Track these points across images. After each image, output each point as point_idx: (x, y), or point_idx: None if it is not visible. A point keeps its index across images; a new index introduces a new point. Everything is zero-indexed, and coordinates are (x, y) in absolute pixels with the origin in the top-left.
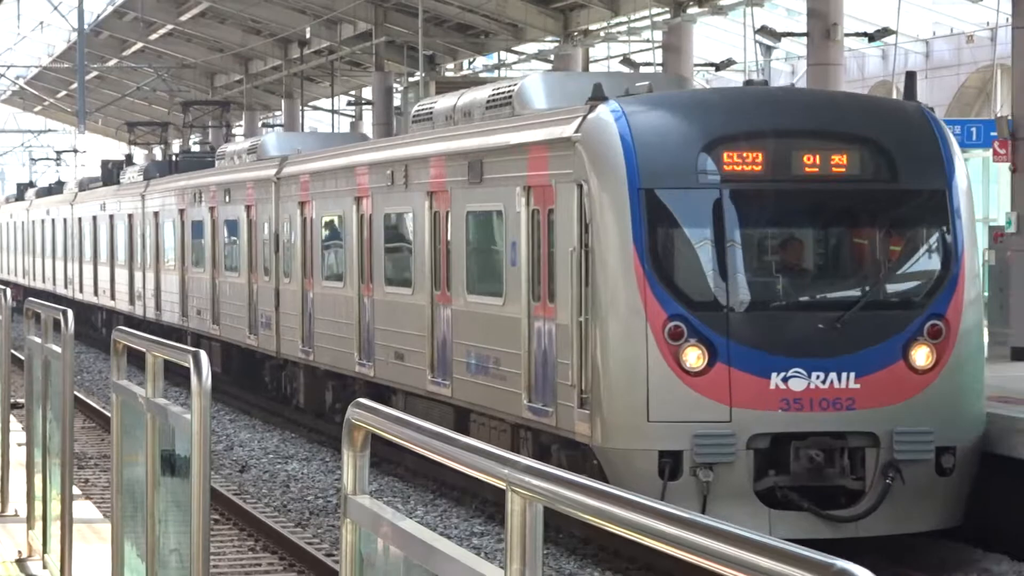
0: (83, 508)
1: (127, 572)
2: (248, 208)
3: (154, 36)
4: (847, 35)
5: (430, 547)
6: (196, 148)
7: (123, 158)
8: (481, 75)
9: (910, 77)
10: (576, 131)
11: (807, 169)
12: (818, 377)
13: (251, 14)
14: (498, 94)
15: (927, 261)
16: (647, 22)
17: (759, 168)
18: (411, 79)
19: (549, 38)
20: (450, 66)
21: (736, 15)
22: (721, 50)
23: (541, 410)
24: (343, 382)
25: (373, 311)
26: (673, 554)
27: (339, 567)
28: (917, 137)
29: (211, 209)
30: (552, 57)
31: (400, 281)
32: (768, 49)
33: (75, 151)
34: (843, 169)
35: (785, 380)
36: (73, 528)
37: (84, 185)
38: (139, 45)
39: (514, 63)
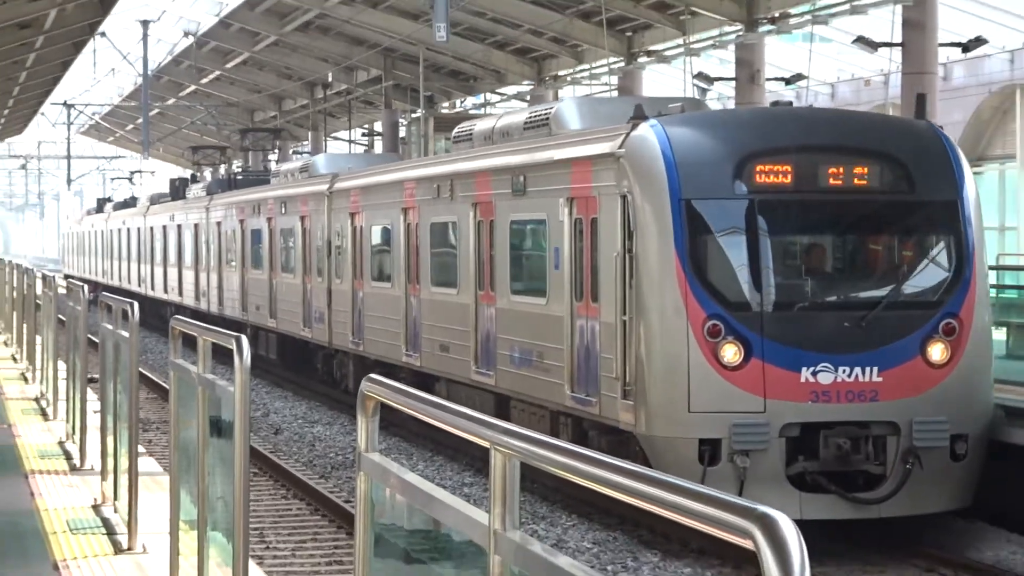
0: (146, 463)
1: (182, 515)
2: (303, 218)
3: (205, 80)
4: (768, 79)
5: (428, 495)
6: (237, 169)
7: (188, 177)
8: (470, 111)
9: (920, 99)
10: (620, 147)
11: (832, 181)
12: (844, 371)
13: (284, 63)
14: (536, 116)
15: (941, 265)
16: (605, 69)
17: (788, 180)
18: (413, 115)
19: (526, 82)
20: (445, 104)
21: (678, 63)
22: (666, 91)
23: (584, 399)
24: (389, 369)
25: (419, 308)
26: (625, 500)
27: (355, 511)
28: (930, 152)
29: (269, 219)
30: (528, 97)
31: (446, 282)
32: (703, 91)
33: (140, 172)
34: (864, 181)
35: (814, 374)
36: (138, 480)
37: (155, 200)
38: (192, 87)
39: (497, 102)
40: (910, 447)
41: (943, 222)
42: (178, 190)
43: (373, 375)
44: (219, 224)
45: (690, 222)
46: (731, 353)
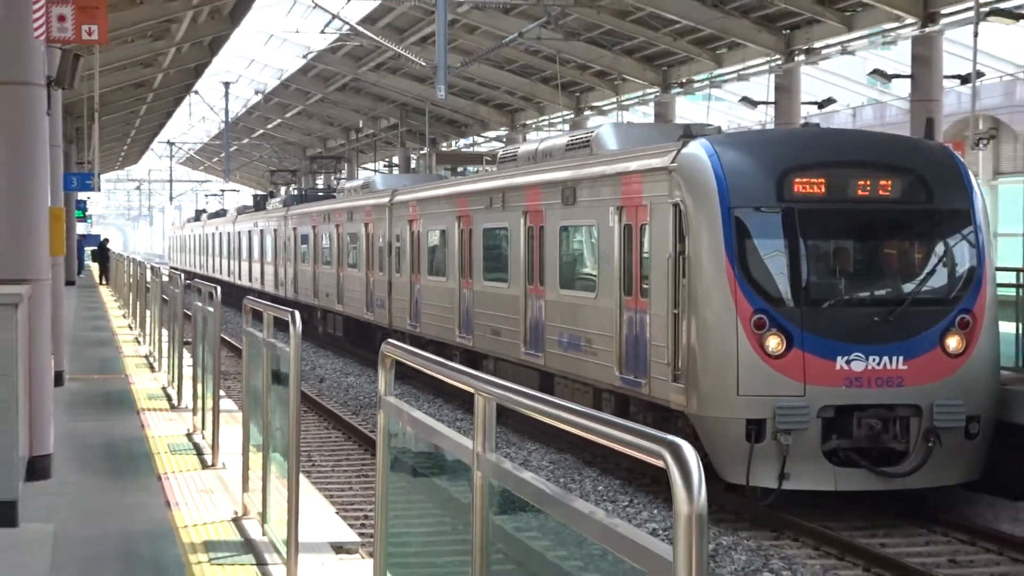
0: (225, 403)
1: (251, 441)
2: (366, 224)
3: (270, 125)
4: (804, 103)
5: (429, 427)
6: (295, 190)
7: (267, 194)
8: (463, 149)
9: (929, 123)
10: (672, 162)
11: (860, 192)
12: (874, 360)
13: (327, 113)
14: (577, 139)
15: (957, 266)
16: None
17: (822, 191)
18: (421, 152)
19: (503, 128)
20: (444, 144)
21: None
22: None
23: (633, 381)
24: (440, 347)
25: (472, 299)
26: (573, 432)
27: (376, 439)
28: (944, 167)
29: (337, 225)
30: (505, 139)
31: (497, 277)
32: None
33: (224, 191)
34: (889, 192)
35: (848, 362)
36: (219, 415)
37: (241, 210)
38: (261, 131)
39: (482, 143)
40: (931, 427)
41: (957, 228)
42: (259, 203)
43: (390, 340)
44: (295, 229)
45: (737, 228)
46: (775, 343)
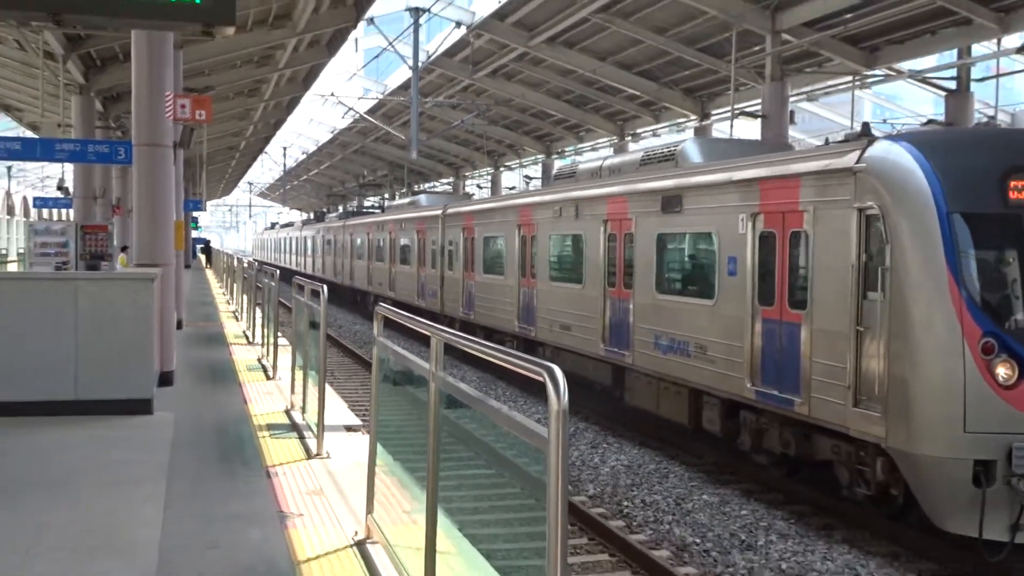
0: (281, 341)
1: (297, 363)
2: (418, 232)
3: (311, 173)
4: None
5: (405, 356)
6: (349, 209)
7: (324, 210)
8: (427, 190)
9: None
10: (858, 162)
11: None
12: None
13: (344, 167)
14: (657, 153)
15: None
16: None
17: None
18: (401, 191)
19: (449, 177)
20: (416, 186)
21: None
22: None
23: (779, 397)
24: (489, 333)
25: (534, 296)
26: (493, 361)
27: (372, 363)
28: None
29: (390, 233)
30: (490, 179)
31: (568, 278)
32: None
33: (279, 213)
34: None
35: None
36: (278, 348)
37: (305, 222)
38: (304, 177)
39: (438, 186)
40: None
41: None
42: (319, 217)
43: (382, 304)
44: (351, 235)
45: (959, 236)
46: (1005, 372)
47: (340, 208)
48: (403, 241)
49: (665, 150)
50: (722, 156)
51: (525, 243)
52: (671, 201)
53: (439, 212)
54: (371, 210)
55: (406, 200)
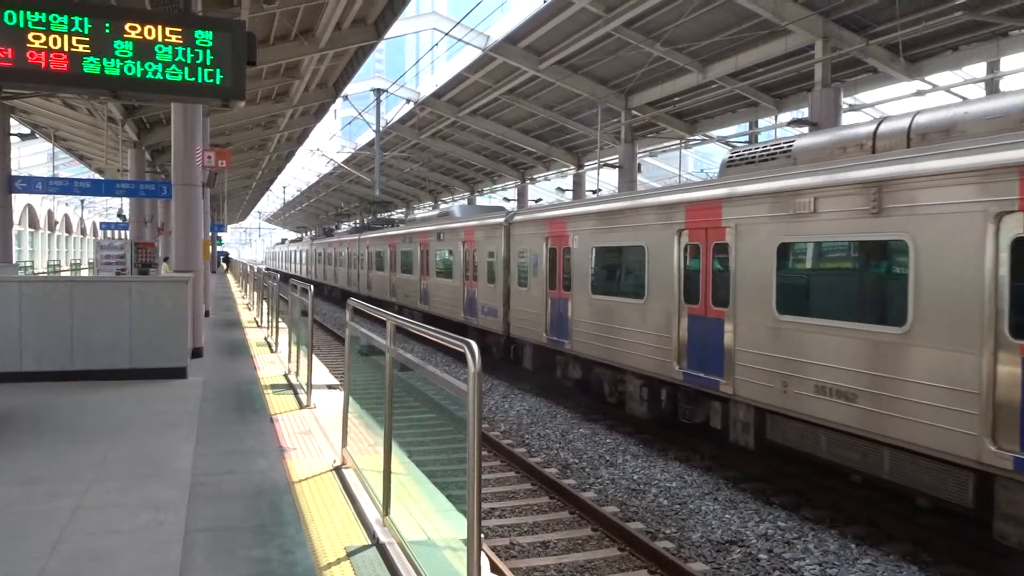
0: (281, 324)
1: (292, 341)
2: (464, 243)
3: (304, 203)
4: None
5: (368, 335)
6: (347, 224)
7: (332, 227)
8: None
9: None
10: None
11: None
12: None
13: (333, 197)
14: (775, 148)
15: None
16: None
17: None
18: (368, 216)
19: (403, 208)
20: (380, 214)
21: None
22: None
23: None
24: (589, 365)
25: (566, 307)
26: (433, 340)
27: (345, 340)
28: None
29: (420, 244)
30: (405, 212)
31: (625, 292)
32: None
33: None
34: None
35: None
36: (279, 330)
37: (314, 237)
38: (304, 204)
39: (397, 214)
40: None
41: None
42: (328, 232)
43: (352, 299)
44: (367, 247)
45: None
46: None
47: (335, 226)
48: (441, 253)
49: (782, 147)
50: (824, 153)
51: (554, 256)
52: (806, 203)
53: (502, 220)
54: (378, 225)
55: (433, 212)
